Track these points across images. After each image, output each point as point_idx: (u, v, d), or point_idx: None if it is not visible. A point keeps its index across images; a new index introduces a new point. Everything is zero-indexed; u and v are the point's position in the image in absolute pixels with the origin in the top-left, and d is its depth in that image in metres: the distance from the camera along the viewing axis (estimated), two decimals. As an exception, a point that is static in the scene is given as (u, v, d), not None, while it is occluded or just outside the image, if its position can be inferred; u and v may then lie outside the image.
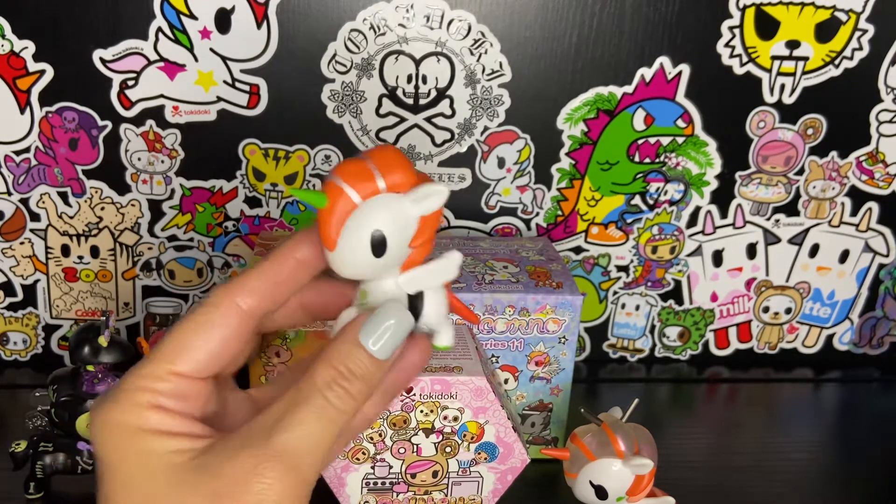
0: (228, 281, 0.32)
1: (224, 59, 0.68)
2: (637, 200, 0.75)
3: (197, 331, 0.31)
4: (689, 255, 0.78)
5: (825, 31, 0.70)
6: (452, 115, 0.71)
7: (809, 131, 0.74)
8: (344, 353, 0.31)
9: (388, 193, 0.31)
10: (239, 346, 0.32)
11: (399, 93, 0.70)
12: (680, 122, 0.72)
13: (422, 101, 0.70)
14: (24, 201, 0.71)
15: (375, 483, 0.54)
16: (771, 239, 0.78)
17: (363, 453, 0.53)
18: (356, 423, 0.34)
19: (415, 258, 0.32)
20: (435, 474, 0.55)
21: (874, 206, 0.78)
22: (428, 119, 0.71)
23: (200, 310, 0.32)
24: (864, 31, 0.71)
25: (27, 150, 0.70)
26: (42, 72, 0.67)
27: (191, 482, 0.29)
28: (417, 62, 0.69)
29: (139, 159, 0.71)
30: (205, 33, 0.67)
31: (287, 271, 0.33)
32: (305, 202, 0.31)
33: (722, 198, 0.76)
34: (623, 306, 0.80)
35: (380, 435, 0.53)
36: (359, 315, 0.32)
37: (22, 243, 0.73)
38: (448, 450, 0.54)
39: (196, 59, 0.67)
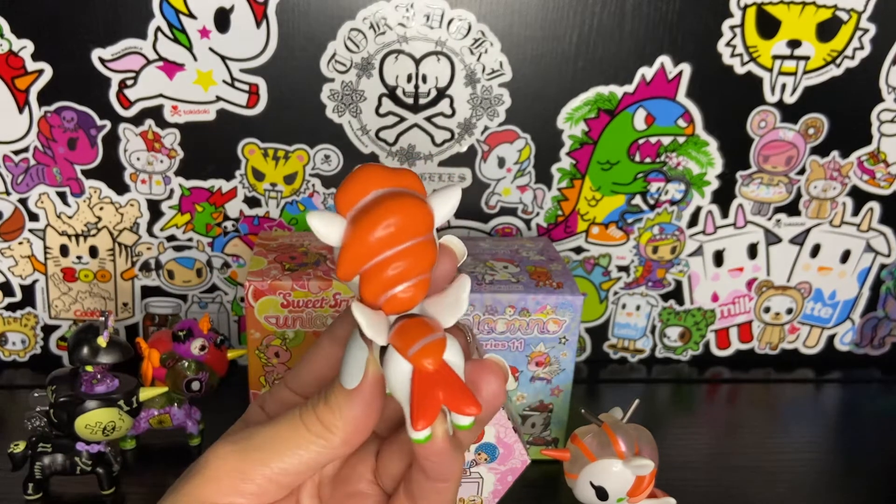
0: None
1: (223, 58, 0.68)
2: (638, 200, 0.75)
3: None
4: (689, 255, 0.78)
5: (826, 30, 0.70)
6: (452, 115, 0.71)
7: (811, 131, 0.74)
8: (333, 379, 0.31)
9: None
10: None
11: (399, 92, 0.70)
12: (681, 122, 0.72)
13: (422, 101, 0.70)
14: (23, 201, 0.71)
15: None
16: (772, 239, 0.78)
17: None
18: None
19: (367, 291, 0.28)
20: (435, 475, 0.55)
21: (875, 205, 0.77)
22: (428, 119, 0.71)
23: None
24: (866, 31, 0.70)
25: (26, 149, 0.69)
26: (41, 71, 0.67)
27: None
28: (417, 61, 0.69)
29: (138, 159, 0.70)
30: (204, 33, 0.67)
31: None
32: None
33: (723, 198, 0.76)
34: (624, 306, 0.80)
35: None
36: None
37: (20, 243, 0.73)
38: (448, 450, 0.54)
39: (195, 59, 0.67)
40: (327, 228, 0.27)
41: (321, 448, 0.30)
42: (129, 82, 0.68)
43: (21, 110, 0.68)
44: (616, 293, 0.79)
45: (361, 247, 0.27)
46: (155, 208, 0.72)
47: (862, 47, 0.71)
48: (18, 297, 0.75)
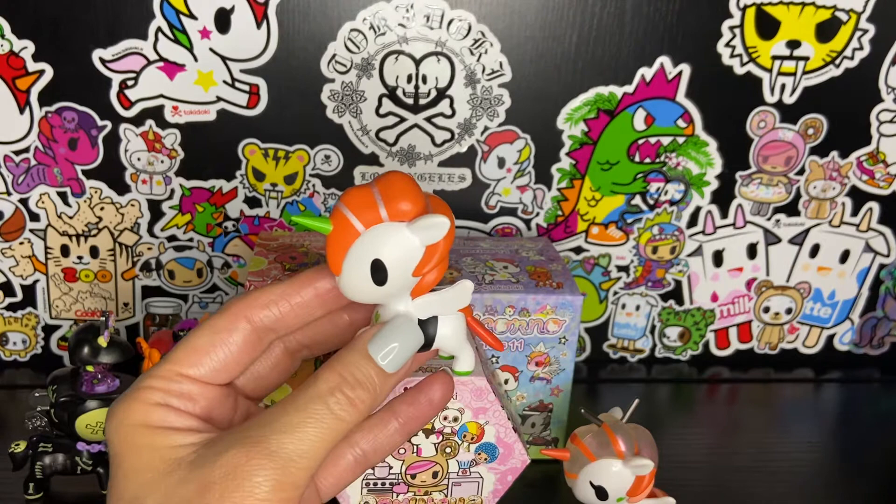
0: (244, 294, 0.33)
1: (224, 58, 0.68)
2: (637, 200, 0.75)
3: (210, 339, 0.32)
4: (689, 256, 0.78)
5: (826, 30, 0.70)
6: (452, 115, 0.71)
7: (810, 131, 0.74)
8: (351, 363, 0.31)
9: (390, 222, 0.31)
10: (249, 357, 0.33)
11: (399, 93, 0.70)
12: (680, 122, 0.72)
13: (422, 101, 0.70)
14: (24, 201, 0.71)
15: (375, 483, 0.54)
16: (771, 239, 0.78)
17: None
18: (372, 456, 0.36)
19: (424, 285, 0.32)
20: (435, 475, 0.55)
21: (875, 206, 0.77)
22: (428, 119, 0.71)
23: (214, 318, 0.33)
24: (865, 31, 0.70)
25: (26, 149, 0.70)
26: (41, 72, 0.67)
27: (183, 474, 0.30)
28: (417, 62, 0.69)
29: (139, 159, 0.71)
30: (204, 33, 0.67)
31: (304, 296, 0.33)
32: (312, 229, 0.31)
33: (722, 198, 0.76)
34: (623, 306, 0.80)
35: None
36: (370, 326, 0.33)
37: (21, 243, 0.73)
38: (448, 450, 0.54)
39: (196, 59, 0.67)
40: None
41: (348, 427, 0.31)
42: (130, 83, 0.68)
43: (22, 111, 0.68)
44: (616, 293, 0.79)
45: (451, 241, 0.32)
46: (155, 208, 0.72)
47: (861, 48, 0.71)
48: (19, 297, 0.75)
